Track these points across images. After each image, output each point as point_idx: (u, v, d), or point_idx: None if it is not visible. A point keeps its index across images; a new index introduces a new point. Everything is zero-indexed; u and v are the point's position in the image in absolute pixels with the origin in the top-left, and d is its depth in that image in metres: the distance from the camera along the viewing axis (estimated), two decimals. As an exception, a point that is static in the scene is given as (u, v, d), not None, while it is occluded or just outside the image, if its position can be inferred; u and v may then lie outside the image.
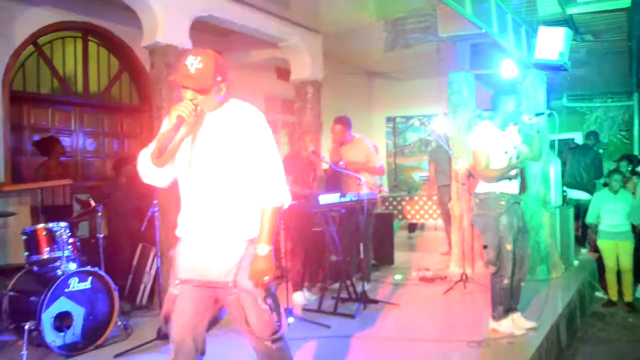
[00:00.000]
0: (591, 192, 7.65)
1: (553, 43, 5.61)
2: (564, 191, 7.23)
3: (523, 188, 4.60)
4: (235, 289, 2.27)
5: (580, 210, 7.65)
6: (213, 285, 2.30)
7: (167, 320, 2.36)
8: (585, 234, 7.96)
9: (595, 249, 7.03)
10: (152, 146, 2.30)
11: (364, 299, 5.06)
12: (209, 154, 2.29)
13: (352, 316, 4.74)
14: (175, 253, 2.40)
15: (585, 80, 10.51)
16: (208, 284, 2.30)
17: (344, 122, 5.80)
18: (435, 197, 9.09)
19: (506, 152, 4.01)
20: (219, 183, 2.30)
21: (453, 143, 6.47)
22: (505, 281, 4.04)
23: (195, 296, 2.32)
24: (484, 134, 4.01)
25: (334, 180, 5.87)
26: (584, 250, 7.85)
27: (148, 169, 2.34)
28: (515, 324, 4.17)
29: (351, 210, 5.20)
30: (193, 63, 2.25)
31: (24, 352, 3.63)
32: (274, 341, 2.32)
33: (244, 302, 2.28)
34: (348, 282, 5.20)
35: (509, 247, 4.00)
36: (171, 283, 2.36)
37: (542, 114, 4.22)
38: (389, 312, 4.97)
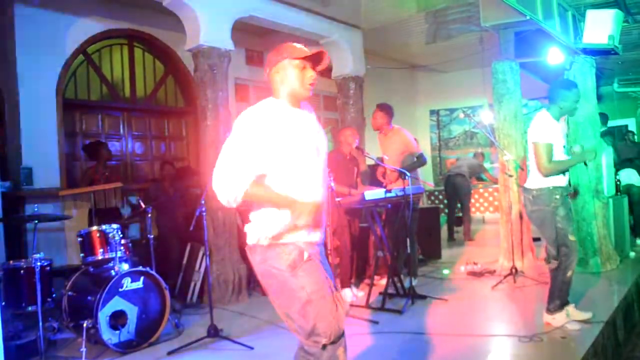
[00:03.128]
0: None
1: (602, 26, 5.40)
2: (617, 180, 6.97)
3: None
4: None
5: (632, 198, 7.36)
6: None
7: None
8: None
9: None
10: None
11: (412, 295, 5.03)
12: (324, 140, 2.47)
13: (400, 312, 4.71)
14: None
15: (638, 64, 10.08)
16: None
17: (386, 109, 5.74)
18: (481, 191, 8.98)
19: (564, 146, 4.00)
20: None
21: (499, 134, 6.32)
22: (569, 273, 4.01)
23: None
24: (546, 126, 3.92)
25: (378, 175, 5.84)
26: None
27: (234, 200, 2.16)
28: (570, 316, 4.07)
29: (397, 205, 5.16)
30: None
31: (83, 348, 3.78)
32: None
33: None
34: (395, 278, 5.18)
35: (572, 237, 3.98)
36: (327, 284, 2.28)
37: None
38: (437, 307, 4.92)
